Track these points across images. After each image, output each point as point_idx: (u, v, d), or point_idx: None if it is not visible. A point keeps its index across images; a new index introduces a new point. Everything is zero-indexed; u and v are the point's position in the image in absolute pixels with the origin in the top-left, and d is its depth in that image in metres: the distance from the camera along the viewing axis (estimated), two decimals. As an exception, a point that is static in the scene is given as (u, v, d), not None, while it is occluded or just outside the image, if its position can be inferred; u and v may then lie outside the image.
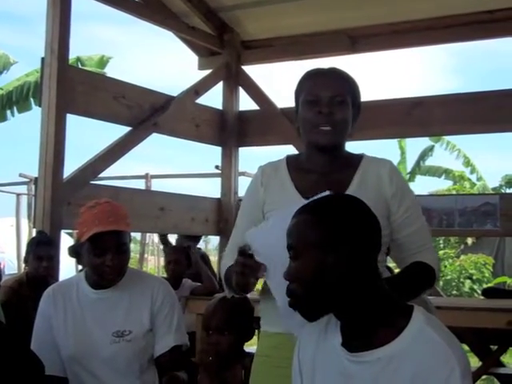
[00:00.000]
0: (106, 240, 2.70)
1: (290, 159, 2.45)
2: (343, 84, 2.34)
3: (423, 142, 19.03)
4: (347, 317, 1.82)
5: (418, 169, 19.14)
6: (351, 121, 2.35)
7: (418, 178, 19.23)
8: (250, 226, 2.30)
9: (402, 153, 18.87)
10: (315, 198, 1.94)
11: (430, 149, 18.88)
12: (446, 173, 18.96)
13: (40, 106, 5.20)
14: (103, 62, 13.80)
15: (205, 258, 6.21)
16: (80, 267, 5.72)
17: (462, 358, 1.70)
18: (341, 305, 1.79)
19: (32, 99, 13.07)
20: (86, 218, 2.76)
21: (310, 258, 1.77)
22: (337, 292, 1.77)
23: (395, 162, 2.46)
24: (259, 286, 2.61)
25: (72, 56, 6.40)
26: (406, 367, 1.70)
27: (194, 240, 6.35)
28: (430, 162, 19.43)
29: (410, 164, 19.16)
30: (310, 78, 2.38)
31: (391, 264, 4.06)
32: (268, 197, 2.38)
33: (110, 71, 13.37)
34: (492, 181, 19.28)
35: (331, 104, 2.28)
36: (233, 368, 2.48)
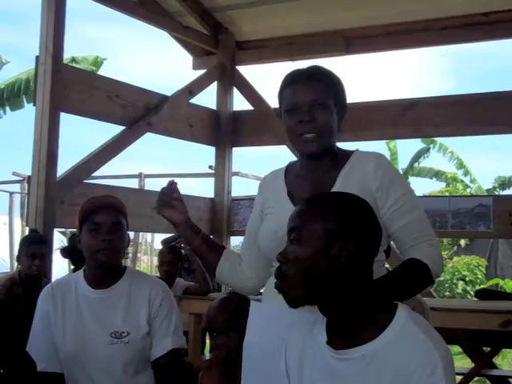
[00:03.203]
0: (101, 216, 2.77)
1: (289, 165, 2.46)
2: (322, 86, 2.28)
3: (415, 144, 19.08)
4: (332, 311, 1.83)
5: (411, 170, 19.14)
6: (336, 121, 2.31)
7: (410, 179, 19.23)
8: (254, 226, 2.44)
9: (391, 154, 18.85)
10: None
11: (427, 150, 18.86)
12: (438, 174, 18.97)
13: (34, 104, 5.19)
14: (97, 62, 13.77)
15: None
16: (73, 266, 5.70)
17: (444, 354, 1.71)
18: (328, 297, 1.80)
19: (24, 96, 13.02)
20: (83, 205, 2.83)
21: (314, 244, 1.78)
22: (329, 283, 1.78)
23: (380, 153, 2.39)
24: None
25: (67, 56, 6.38)
26: (389, 363, 1.72)
27: None
28: (421, 163, 19.45)
29: (401, 165, 19.15)
30: (288, 85, 2.33)
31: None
32: (265, 201, 2.40)
33: (104, 71, 13.34)
34: (485, 182, 19.35)
35: (311, 110, 2.24)
36: (240, 367, 2.47)
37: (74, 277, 2.98)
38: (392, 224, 2.22)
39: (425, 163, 19.36)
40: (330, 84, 2.31)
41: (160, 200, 2.49)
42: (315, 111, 2.24)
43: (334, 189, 2.22)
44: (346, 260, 1.76)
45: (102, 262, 2.77)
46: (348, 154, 2.34)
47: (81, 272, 2.91)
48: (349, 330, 1.80)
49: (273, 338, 2.13)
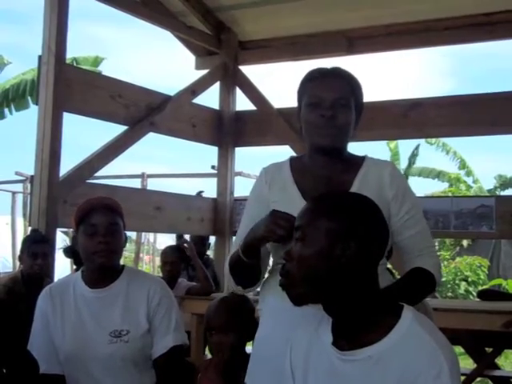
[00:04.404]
0: (97, 217, 2.77)
1: (293, 160, 2.46)
2: (346, 86, 2.33)
3: (416, 144, 18.99)
4: (336, 311, 1.83)
5: (411, 170, 19.09)
6: (354, 123, 2.35)
7: (412, 179, 19.19)
8: (256, 220, 2.32)
9: (393, 154, 18.82)
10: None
11: (416, 148, 18.78)
12: (441, 175, 18.94)
13: (36, 103, 5.19)
14: (97, 62, 13.78)
15: (208, 261, 6.19)
16: (75, 266, 5.71)
17: (450, 356, 1.71)
18: (331, 296, 1.81)
19: (29, 97, 13.02)
20: (79, 206, 2.84)
21: (318, 243, 1.79)
22: (331, 283, 1.78)
23: (393, 162, 2.45)
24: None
25: (68, 57, 6.39)
26: (395, 365, 1.71)
27: (201, 243, 6.30)
28: (423, 163, 19.44)
29: (402, 165, 19.10)
30: (313, 79, 2.37)
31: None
32: (271, 195, 2.38)
33: (105, 71, 13.34)
34: (487, 183, 19.32)
35: (334, 107, 2.27)
36: (241, 368, 2.47)
37: (72, 277, 3.00)
38: (403, 232, 2.29)
39: (427, 163, 19.36)
40: (352, 85, 2.36)
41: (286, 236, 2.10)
42: (337, 109, 2.28)
43: (351, 191, 2.24)
44: (348, 260, 1.76)
45: (100, 264, 2.78)
46: (360, 159, 2.38)
47: (79, 272, 2.92)
48: (354, 330, 1.80)
49: (281, 334, 2.16)
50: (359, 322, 1.80)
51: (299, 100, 2.39)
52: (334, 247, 1.77)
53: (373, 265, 1.84)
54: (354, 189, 2.25)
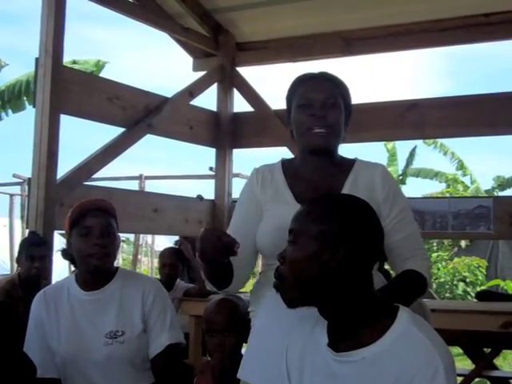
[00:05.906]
0: (92, 219, 2.77)
1: (284, 163, 2.46)
2: (334, 87, 2.37)
3: (414, 145, 18.98)
4: (331, 314, 1.83)
5: (409, 171, 19.06)
6: (344, 124, 2.37)
7: (409, 180, 19.20)
8: (246, 221, 2.37)
9: (391, 155, 18.80)
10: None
11: (413, 149, 18.77)
12: (439, 175, 18.93)
13: (34, 106, 5.18)
14: (99, 66, 13.76)
15: None
16: (73, 268, 5.69)
17: (446, 357, 1.71)
18: (324, 300, 1.81)
19: (25, 98, 12.98)
20: (73, 209, 2.84)
21: (308, 247, 1.79)
22: (323, 287, 1.79)
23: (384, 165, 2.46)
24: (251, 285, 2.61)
25: (68, 59, 6.38)
26: (390, 366, 1.71)
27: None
28: (421, 164, 19.42)
29: (400, 166, 19.09)
30: (302, 82, 2.41)
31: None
32: (263, 196, 2.38)
33: (105, 74, 13.32)
34: (484, 183, 19.32)
35: (324, 107, 2.30)
36: (233, 374, 2.47)
37: (66, 280, 2.99)
38: (395, 234, 2.28)
39: (425, 164, 19.35)
40: (341, 87, 2.40)
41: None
42: (327, 109, 2.31)
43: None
44: (338, 265, 1.76)
45: (95, 266, 2.78)
46: (349, 162, 2.40)
47: (73, 275, 2.93)
48: (349, 332, 1.80)
49: (279, 327, 2.16)
50: (354, 324, 1.80)
51: (288, 104, 2.42)
52: (323, 252, 1.77)
53: (366, 267, 1.84)
54: (344, 192, 2.25)
